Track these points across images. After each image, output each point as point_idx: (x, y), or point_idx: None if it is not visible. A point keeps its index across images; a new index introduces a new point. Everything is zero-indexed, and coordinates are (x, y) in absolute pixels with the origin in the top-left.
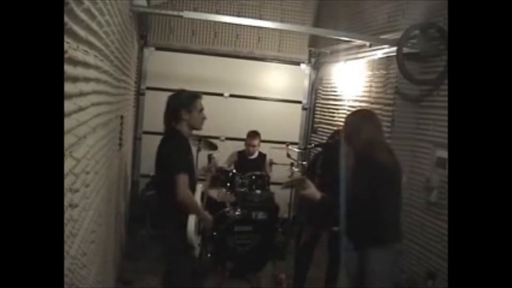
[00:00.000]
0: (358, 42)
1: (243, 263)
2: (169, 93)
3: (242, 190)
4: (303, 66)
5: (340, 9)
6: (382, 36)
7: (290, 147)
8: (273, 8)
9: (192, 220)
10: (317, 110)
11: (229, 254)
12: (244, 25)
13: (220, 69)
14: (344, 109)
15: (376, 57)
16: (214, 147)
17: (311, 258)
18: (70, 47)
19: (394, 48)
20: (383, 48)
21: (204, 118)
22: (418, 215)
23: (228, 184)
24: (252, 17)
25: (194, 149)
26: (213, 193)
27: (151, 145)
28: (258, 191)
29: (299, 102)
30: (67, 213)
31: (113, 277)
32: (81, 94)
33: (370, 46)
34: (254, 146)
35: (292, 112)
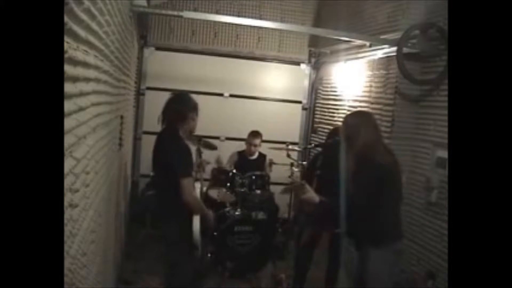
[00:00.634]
0: (358, 42)
1: (243, 263)
2: (169, 93)
3: (242, 190)
4: (303, 66)
5: (340, 9)
6: (382, 36)
7: (290, 147)
8: (273, 8)
9: (197, 221)
10: (317, 110)
11: (229, 254)
12: (244, 25)
13: (220, 69)
14: (344, 109)
15: (376, 57)
16: (213, 147)
17: (311, 258)
18: (70, 47)
19: (394, 48)
20: (383, 48)
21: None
22: (418, 215)
23: (228, 184)
24: (252, 17)
25: (193, 149)
26: (213, 193)
27: (151, 145)
28: (258, 191)
29: (299, 102)
30: (67, 213)
31: (113, 277)
32: (81, 94)
33: (370, 46)
34: (256, 145)
35: (292, 112)
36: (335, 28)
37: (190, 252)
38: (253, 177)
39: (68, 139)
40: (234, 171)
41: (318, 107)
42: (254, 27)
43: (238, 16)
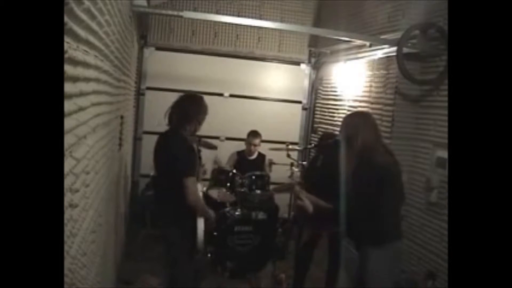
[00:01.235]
0: (358, 42)
1: (243, 263)
2: (169, 93)
3: (242, 190)
4: (303, 66)
5: (340, 9)
6: (382, 36)
7: (290, 147)
8: (273, 8)
9: (201, 223)
10: (317, 110)
11: (229, 254)
12: (244, 25)
13: (220, 69)
14: (344, 109)
15: (376, 57)
16: (213, 147)
17: (311, 258)
18: (70, 47)
19: (394, 48)
20: (383, 48)
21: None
22: (418, 215)
23: (228, 184)
24: (252, 17)
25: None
26: (213, 193)
27: (151, 145)
28: (258, 191)
29: (299, 102)
30: (67, 213)
31: (113, 277)
32: (81, 94)
33: (370, 46)
34: (255, 145)
35: (292, 112)
36: (335, 28)
37: (191, 253)
38: (253, 177)
39: (68, 139)
40: (234, 171)
41: (318, 107)
42: (254, 27)
43: (238, 16)
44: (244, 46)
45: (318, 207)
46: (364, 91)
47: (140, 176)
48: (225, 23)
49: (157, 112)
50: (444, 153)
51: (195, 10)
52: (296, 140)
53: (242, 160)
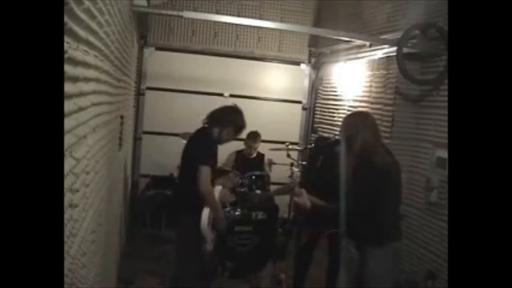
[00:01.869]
0: (358, 42)
1: (243, 263)
2: (169, 93)
3: (242, 190)
4: (303, 66)
5: (340, 9)
6: (382, 36)
7: (290, 147)
8: (273, 8)
9: (206, 212)
10: (317, 110)
11: (229, 254)
12: (244, 25)
13: (220, 69)
14: (344, 109)
15: (376, 57)
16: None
17: (311, 258)
18: (70, 47)
19: (394, 48)
20: (383, 48)
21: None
22: (418, 215)
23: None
24: (252, 17)
25: None
26: None
27: (151, 145)
28: (258, 191)
29: (299, 102)
30: (67, 213)
31: (113, 277)
32: (81, 94)
33: (370, 46)
34: (256, 148)
35: (292, 112)
36: (335, 28)
37: (198, 245)
38: (253, 177)
39: (68, 139)
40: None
41: (318, 107)
42: (254, 27)
43: (238, 16)
44: (244, 46)
45: (317, 206)
46: (364, 91)
47: (140, 176)
48: (225, 23)
49: (157, 112)
50: (444, 153)
51: (195, 10)
52: (296, 140)
53: (241, 159)
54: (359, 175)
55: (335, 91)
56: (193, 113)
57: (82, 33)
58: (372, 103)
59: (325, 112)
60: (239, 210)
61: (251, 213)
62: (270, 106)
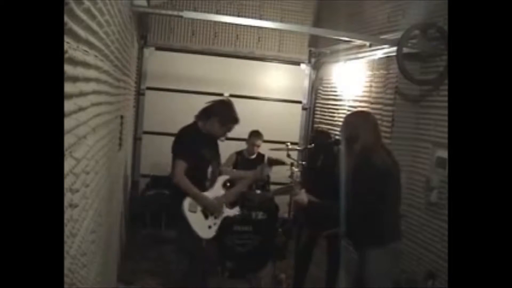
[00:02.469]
0: (358, 42)
1: (243, 263)
2: (169, 93)
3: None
4: (303, 66)
5: (340, 9)
6: (382, 36)
7: (290, 147)
8: (273, 8)
9: (186, 203)
10: (317, 110)
11: (229, 254)
12: (244, 25)
13: (220, 69)
14: (344, 109)
15: (376, 57)
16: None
17: (310, 258)
18: (70, 47)
19: (394, 48)
20: (383, 48)
21: (225, 132)
22: (418, 215)
23: (228, 184)
24: (252, 17)
25: None
26: None
27: (151, 145)
28: (258, 191)
29: (299, 102)
30: (67, 213)
31: (113, 277)
32: (81, 94)
33: (370, 46)
34: (258, 146)
35: (292, 112)
36: (335, 28)
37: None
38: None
39: (68, 139)
40: (234, 171)
41: (318, 107)
42: (254, 27)
43: (238, 16)
44: (244, 46)
45: (314, 203)
46: (364, 91)
47: (140, 176)
48: (225, 23)
49: (157, 112)
50: (444, 153)
51: (195, 10)
52: (296, 140)
53: (242, 160)
54: (359, 175)
55: (335, 91)
56: (193, 113)
57: (82, 33)
58: (372, 103)
59: (325, 112)
60: (239, 210)
61: (251, 213)
62: (270, 106)
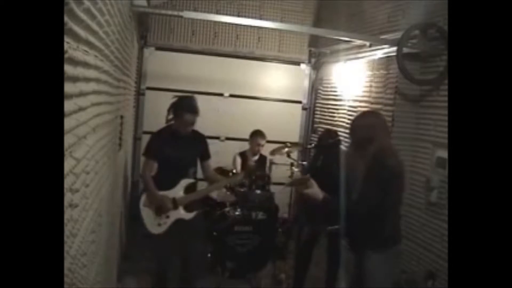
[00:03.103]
0: (358, 42)
1: (243, 263)
2: (169, 93)
3: (242, 190)
4: (303, 66)
5: (340, 9)
6: (382, 36)
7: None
8: (273, 8)
9: (143, 196)
10: (317, 110)
11: (229, 254)
12: (244, 25)
13: (220, 69)
14: (344, 109)
15: (376, 57)
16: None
17: (310, 258)
18: (70, 47)
19: (394, 48)
20: (383, 48)
21: (187, 125)
22: (418, 215)
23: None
24: (252, 17)
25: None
26: (213, 193)
27: None
28: (258, 191)
29: (299, 102)
30: (67, 213)
31: (113, 277)
32: (81, 94)
33: (370, 46)
34: (262, 145)
35: (292, 112)
36: (335, 28)
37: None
38: (253, 177)
39: (68, 139)
40: (234, 171)
41: (318, 107)
42: (254, 27)
43: (238, 16)
44: (244, 46)
45: (328, 199)
46: (364, 91)
47: (140, 176)
48: (225, 23)
49: (157, 112)
50: (444, 153)
51: (195, 10)
52: (296, 140)
53: (244, 161)
54: (373, 177)
55: (335, 91)
56: None
57: (82, 33)
58: (372, 103)
59: (325, 112)
60: (239, 210)
61: (251, 213)
62: (270, 106)
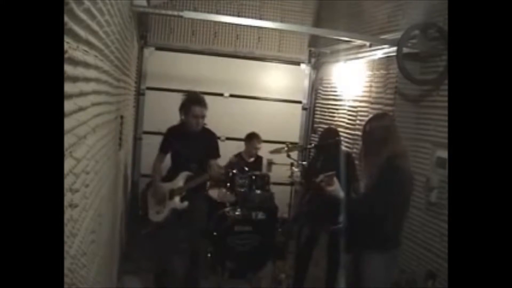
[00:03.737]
0: (358, 42)
1: (243, 263)
2: (169, 93)
3: (242, 190)
4: (303, 66)
5: (340, 9)
6: (382, 36)
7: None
8: (273, 8)
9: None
10: (317, 110)
11: (229, 254)
12: (244, 25)
13: (220, 69)
14: (344, 109)
15: (376, 57)
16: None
17: (310, 257)
18: (70, 47)
19: (394, 48)
20: (383, 48)
21: (197, 118)
22: (418, 215)
23: (228, 184)
24: (252, 17)
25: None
26: (213, 193)
27: (151, 145)
28: (258, 191)
29: (299, 102)
30: (67, 213)
31: (113, 277)
32: (81, 94)
33: (370, 46)
34: (259, 148)
35: (292, 112)
36: (335, 28)
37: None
38: (253, 177)
39: (68, 139)
40: (234, 171)
41: (318, 107)
42: (254, 27)
43: (238, 16)
44: (244, 46)
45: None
46: (364, 91)
47: (140, 176)
48: (225, 23)
49: (157, 112)
50: (444, 153)
51: (195, 10)
52: (296, 140)
53: (242, 162)
54: (388, 179)
55: (335, 91)
56: None
57: (82, 33)
58: (372, 103)
59: (325, 112)
60: (239, 210)
61: (251, 213)
62: (270, 106)
